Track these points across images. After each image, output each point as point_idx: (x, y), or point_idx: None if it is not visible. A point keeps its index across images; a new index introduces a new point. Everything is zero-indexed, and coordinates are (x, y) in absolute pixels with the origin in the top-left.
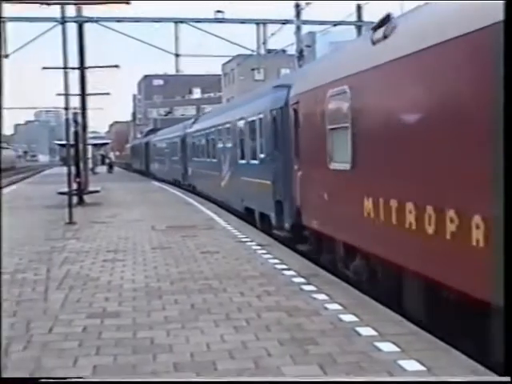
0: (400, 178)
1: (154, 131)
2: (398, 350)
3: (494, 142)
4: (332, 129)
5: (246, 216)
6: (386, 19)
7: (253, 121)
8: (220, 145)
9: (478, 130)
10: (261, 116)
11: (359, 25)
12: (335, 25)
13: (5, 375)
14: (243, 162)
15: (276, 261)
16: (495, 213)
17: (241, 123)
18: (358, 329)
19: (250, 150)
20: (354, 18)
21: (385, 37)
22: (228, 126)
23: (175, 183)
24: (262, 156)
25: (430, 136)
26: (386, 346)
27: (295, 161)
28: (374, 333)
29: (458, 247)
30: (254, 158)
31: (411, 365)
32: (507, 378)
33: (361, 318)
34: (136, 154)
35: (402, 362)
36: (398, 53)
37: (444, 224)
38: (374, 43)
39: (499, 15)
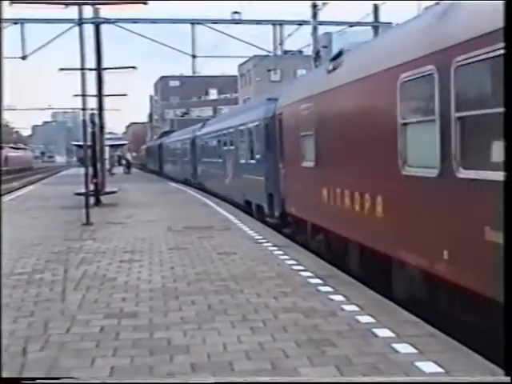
0: (341, 173)
1: (167, 133)
2: (415, 351)
3: (394, 152)
4: (303, 135)
5: (247, 208)
6: (338, 54)
7: (250, 127)
8: (225, 147)
9: (387, 141)
10: (256, 123)
11: (376, 25)
12: (352, 25)
13: (26, 375)
14: (243, 161)
15: (292, 262)
16: (389, 194)
17: (241, 128)
18: (375, 330)
19: (249, 151)
20: (370, 19)
21: (334, 69)
22: (231, 130)
23: (186, 182)
24: (258, 156)
25: (358, 143)
26: (403, 348)
27: (280, 160)
28: (390, 334)
29: (370, 218)
30: (252, 159)
31: (428, 366)
32: (507, 378)
33: (377, 320)
34: (150, 155)
35: (419, 364)
36: (341, 81)
37: (363, 203)
38: (328, 72)
39: (399, 61)
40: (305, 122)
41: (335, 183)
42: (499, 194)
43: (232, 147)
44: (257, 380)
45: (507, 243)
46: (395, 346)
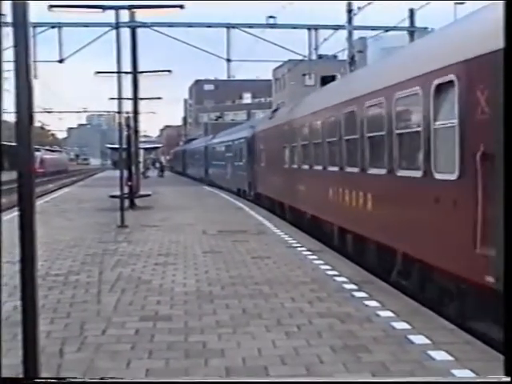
0: (272, 168)
1: (189, 141)
2: (451, 358)
3: (283, 158)
4: (261, 149)
5: (237, 192)
6: (276, 110)
7: (241, 142)
8: (226, 154)
9: (280, 154)
10: (243, 140)
11: (411, 30)
12: (387, 30)
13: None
14: (236, 164)
15: (327, 267)
16: (282, 175)
17: (236, 142)
18: (411, 337)
19: (239, 157)
20: (406, 24)
21: (271, 118)
22: (230, 143)
23: (200, 180)
24: (244, 160)
25: (274, 154)
26: (439, 355)
27: (254, 163)
28: (426, 341)
29: (277, 187)
30: (240, 161)
31: (466, 375)
32: (507, 378)
33: (413, 326)
34: (177, 159)
35: (456, 372)
36: (271, 125)
37: (277, 181)
38: (269, 119)
39: (283, 121)
40: (262, 142)
41: (271, 173)
42: (286, 172)
43: (230, 154)
44: (260, 380)
45: (507, 242)
46: (431, 353)
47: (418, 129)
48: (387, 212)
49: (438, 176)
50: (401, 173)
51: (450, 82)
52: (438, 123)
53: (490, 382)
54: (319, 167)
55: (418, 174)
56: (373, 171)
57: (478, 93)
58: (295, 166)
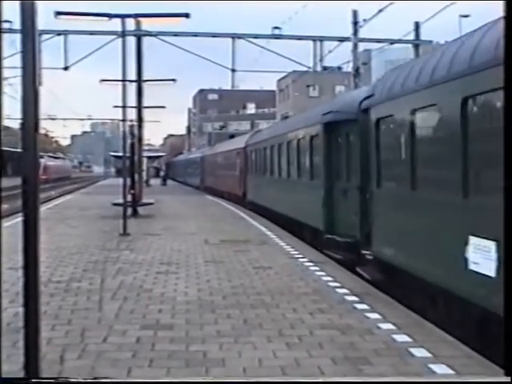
0: (210, 173)
1: (177, 155)
2: (452, 372)
3: (215, 169)
4: (205, 163)
5: (197, 187)
6: (214, 144)
7: (198, 158)
8: (193, 165)
9: (213, 167)
10: (199, 158)
11: (416, 43)
12: (393, 43)
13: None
14: (196, 171)
15: (329, 278)
16: (227, 177)
17: (196, 158)
18: (412, 349)
19: (197, 167)
20: (411, 37)
21: (210, 148)
22: (194, 159)
23: (182, 182)
24: (199, 169)
25: (212, 166)
26: (441, 368)
27: (203, 171)
28: (427, 354)
29: (220, 181)
30: (198, 170)
31: None
32: (507, 378)
33: (414, 339)
34: (169, 168)
35: None
36: (210, 152)
37: (217, 179)
38: (209, 149)
39: (209, 152)
40: (206, 160)
41: (209, 175)
42: (215, 174)
43: (195, 165)
44: (256, 380)
45: (507, 243)
46: (432, 366)
47: (233, 162)
48: (225, 181)
49: (230, 173)
50: (228, 173)
51: (239, 152)
52: (237, 161)
53: (490, 382)
54: (221, 172)
55: (234, 173)
56: (225, 172)
57: (241, 156)
58: (216, 172)
